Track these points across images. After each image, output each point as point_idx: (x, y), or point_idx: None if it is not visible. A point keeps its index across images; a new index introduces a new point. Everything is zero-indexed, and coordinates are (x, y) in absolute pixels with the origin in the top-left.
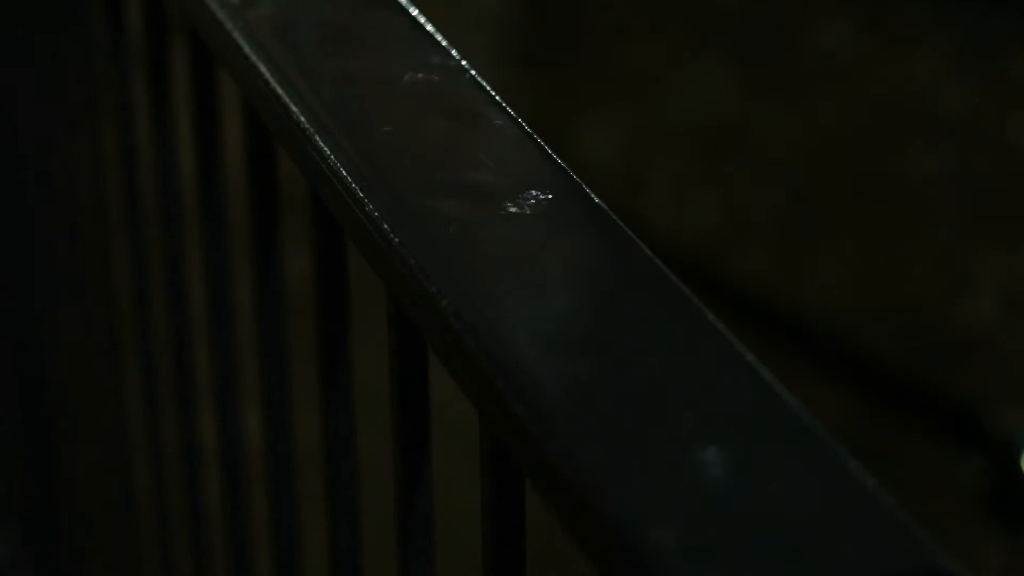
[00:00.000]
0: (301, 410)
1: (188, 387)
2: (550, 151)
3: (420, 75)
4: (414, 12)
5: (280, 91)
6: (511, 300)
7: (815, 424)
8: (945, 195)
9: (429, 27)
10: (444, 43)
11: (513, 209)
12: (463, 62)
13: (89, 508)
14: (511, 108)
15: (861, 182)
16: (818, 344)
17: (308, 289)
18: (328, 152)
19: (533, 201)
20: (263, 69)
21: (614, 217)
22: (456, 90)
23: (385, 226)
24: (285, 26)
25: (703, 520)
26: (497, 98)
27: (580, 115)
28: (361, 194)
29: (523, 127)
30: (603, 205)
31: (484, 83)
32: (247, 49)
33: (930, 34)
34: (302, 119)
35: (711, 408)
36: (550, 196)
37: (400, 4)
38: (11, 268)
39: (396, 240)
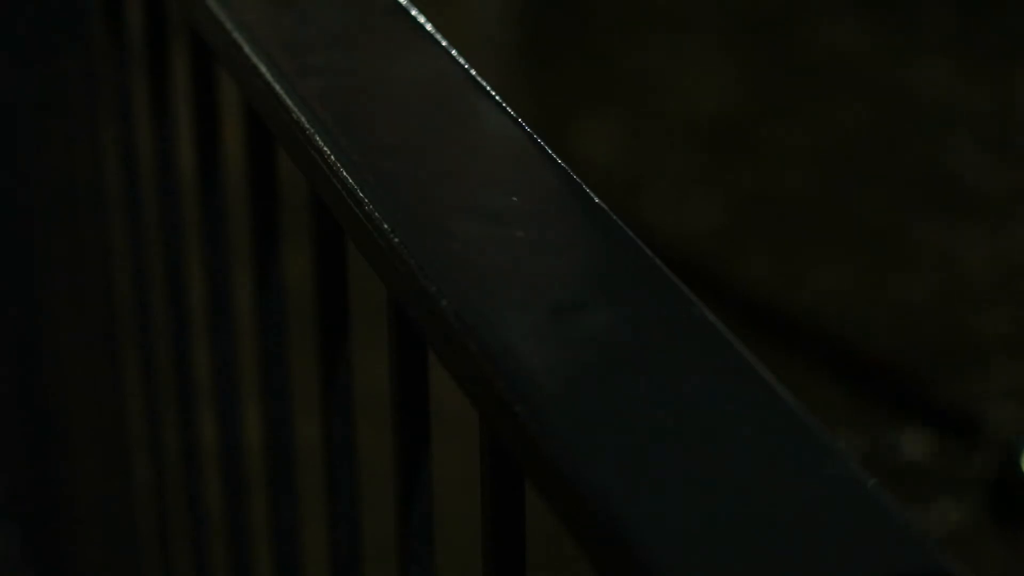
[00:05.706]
0: (301, 411)
1: (188, 387)
2: (550, 151)
3: (420, 75)
4: (414, 12)
5: (280, 91)
6: (511, 300)
7: (816, 424)
8: None
9: (429, 27)
10: (444, 43)
11: (513, 209)
12: (463, 62)
13: (89, 509)
14: (511, 108)
15: None
16: (816, 343)
17: (308, 289)
18: (328, 152)
19: (533, 201)
20: (263, 69)
21: (614, 217)
22: (456, 91)
23: (385, 226)
24: (285, 26)
25: (703, 521)
26: (497, 98)
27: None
28: (361, 194)
29: (523, 127)
30: (603, 205)
31: (484, 83)
32: (247, 49)
33: None
34: (302, 119)
35: (711, 408)
36: (550, 196)
37: (401, 5)
38: (11, 268)
39: (396, 240)
